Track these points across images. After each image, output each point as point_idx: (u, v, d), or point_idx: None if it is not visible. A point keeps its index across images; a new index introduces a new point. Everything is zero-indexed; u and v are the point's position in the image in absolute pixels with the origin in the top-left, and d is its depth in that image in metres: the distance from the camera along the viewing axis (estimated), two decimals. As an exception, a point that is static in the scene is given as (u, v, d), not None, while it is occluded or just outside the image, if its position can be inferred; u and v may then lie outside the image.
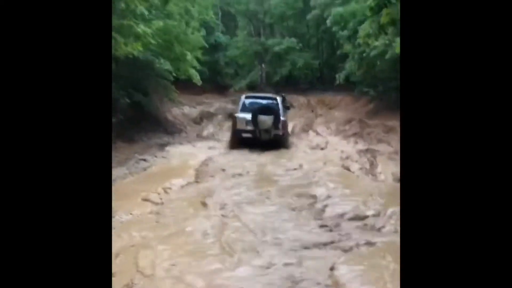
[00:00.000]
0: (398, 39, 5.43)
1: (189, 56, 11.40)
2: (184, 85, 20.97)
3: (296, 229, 4.24)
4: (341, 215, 4.59)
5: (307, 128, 11.90)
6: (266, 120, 8.97)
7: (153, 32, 9.21)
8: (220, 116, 17.62)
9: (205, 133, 13.52)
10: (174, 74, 11.12)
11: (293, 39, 17.93)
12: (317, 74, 20.44)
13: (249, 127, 9.09)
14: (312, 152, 9.25)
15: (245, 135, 9.21)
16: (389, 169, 6.42)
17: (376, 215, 4.53)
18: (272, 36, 19.26)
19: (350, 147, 9.11)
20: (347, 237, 3.91)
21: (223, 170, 7.29)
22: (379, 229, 4.14)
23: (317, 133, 11.14)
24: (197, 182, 6.54)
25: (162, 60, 10.18)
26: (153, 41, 8.04)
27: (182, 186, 6.24)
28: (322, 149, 9.32)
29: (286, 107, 12.02)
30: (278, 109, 9.28)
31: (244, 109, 9.56)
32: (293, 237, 3.97)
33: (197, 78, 12.22)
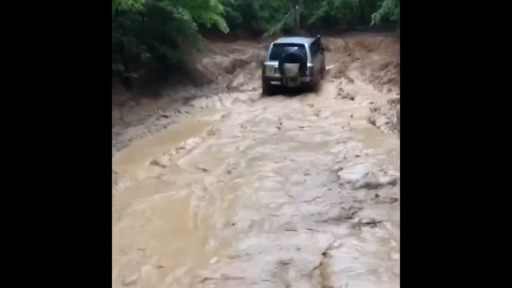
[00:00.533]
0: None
1: (213, 2, 10.61)
2: (216, 33, 20.23)
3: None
4: (354, 182, 4.09)
5: (340, 74, 10.98)
6: (291, 68, 9.02)
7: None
8: (253, 64, 16.85)
9: (235, 83, 12.99)
10: (195, 23, 10.40)
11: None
12: (357, 13, 18.69)
13: (277, 75, 9.22)
14: (341, 102, 8.53)
15: (273, 82, 9.38)
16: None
17: (392, 182, 3.98)
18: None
19: (382, 96, 8.26)
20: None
21: (242, 127, 6.91)
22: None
23: (350, 80, 10.24)
24: (210, 140, 6.23)
25: (180, 9, 9.51)
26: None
27: (195, 146, 5.97)
28: (352, 98, 8.55)
29: (321, 49, 11.56)
30: (304, 56, 9.16)
31: (273, 56, 9.53)
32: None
33: (223, 26, 11.45)
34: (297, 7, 16.91)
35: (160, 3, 9.32)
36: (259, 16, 20.52)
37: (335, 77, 11.00)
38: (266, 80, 9.54)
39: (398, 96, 7.73)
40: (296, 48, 9.47)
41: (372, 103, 7.63)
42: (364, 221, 3.24)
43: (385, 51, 13.80)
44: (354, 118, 6.83)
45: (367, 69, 10.75)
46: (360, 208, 3.48)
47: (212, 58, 15.53)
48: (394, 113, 6.37)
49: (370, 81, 9.83)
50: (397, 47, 13.89)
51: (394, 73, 9.40)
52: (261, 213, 3.58)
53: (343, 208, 3.50)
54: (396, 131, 5.69)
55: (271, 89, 9.46)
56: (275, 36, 17.75)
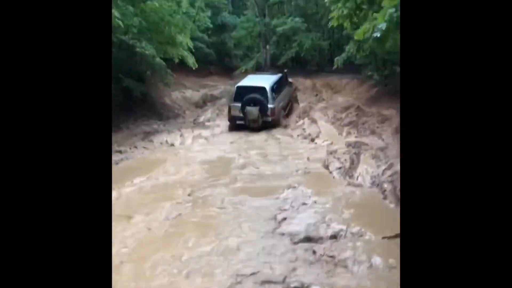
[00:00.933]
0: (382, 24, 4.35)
1: (180, 39, 10.53)
2: (189, 68, 20.29)
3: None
4: (295, 235, 3.79)
5: (304, 114, 10.94)
6: (252, 111, 9.86)
7: (132, 14, 8.45)
8: (223, 100, 16.78)
9: (202, 118, 12.78)
10: (160, 58, 10.27)
11: (298, 19, 16.54)
12: (327, 55, 19.14)
13: (241, 115, 9.99)
14: (302, 142, 8.39)
15: (239, 122, 10.12)
16: (369, 171, 5.51)
17: (334, 236, 3.71)
18: (282, 16, 17.89)
19: (341, 138, 8.17)
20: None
21: (195, 165, 6.60)
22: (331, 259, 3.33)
23: (313, 120, 10.18)
24: (156, 179, 5.87)
25: (144, 44, 9.36)
26: (121, 24, 7.20)
27: (140, 186, 5.58)
28: (312, 139, 8.42)
29: (288, 84, 12.10)
30: (265, 99, 9.91)
31: (237, 98, 10.23)
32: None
33: (191, 61, 11.35)
34: (267, 47, 17.15)
35: (124, 37, 9.13)
36: (233, 54, 20.74)
37: (300, 117, 10.93)
38: (232, 120, 10.32)
39: (355, 140, 7.66)
40: (256, 92, 10.04)
41: (331, 143, 7.52)
42: (293, 285, 2.91)
43: (350, 93, 14.02)
44: (310, 161, 6.63)
45: (330, 110, 10.74)
46: (294, 269, 3.15)
47: (182, 92, 15.37)
48: (348, 158, 6.21)
49: (332, 123, 9.77)
50: (361, 89, 14.23)
51: (354, 115, 9.40)
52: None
53: (274, 268, 3.17)
54: (347, 177, 5.52)
55: (237, 127, 10.16)
56: (247, 73, 17.88)
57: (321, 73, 18.75)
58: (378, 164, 5.62)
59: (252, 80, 11.10)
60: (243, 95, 9.97)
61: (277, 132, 9.64)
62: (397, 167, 4.83)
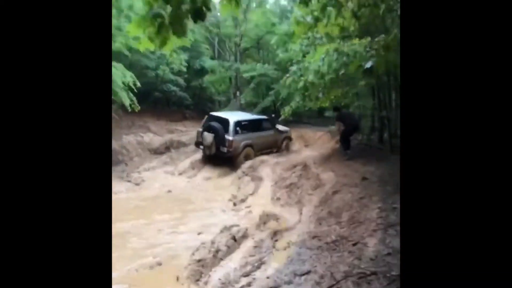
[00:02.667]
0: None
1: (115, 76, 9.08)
2: (162, 111, 19.08)
3: None
4: None
5: (249, 170, 9.13)
6: (207, 137, 9.93)
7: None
8: (191, 147, 15.22)
9: (146, 166, 11.06)
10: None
11: (269, 66, 15.26)
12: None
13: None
14: (220, 202, 6.47)
15: (201, 147, 10.41)
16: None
17: None
18: (253, 62, 16.64)
19: (268, 205, 6.27)
20: None
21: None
22: None
23: (255, 179, 8.36)
24: None
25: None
26: None
27: None
28: (234, 204, 6.53)
29: (273, 129, 11.61)
30: (223, 129, 9.80)
31: (204, 127, 10.49)
32: None
33: (128, 103, 9.79)
34: (238, 93, 15.70)
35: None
36: (213, 100, 19.42)
37: (251, 171, 9.11)
38: (197, 144, 10.91)
39: (278, 209, 5.76)
40: (220, 122, 9.99)
41: (249, 212, 5.63)
42: None
43: (320, 147, 12.25)
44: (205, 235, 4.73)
45: (280, 167, 8.90)
46: None
47: (140, 137, 13.78)
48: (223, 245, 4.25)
49: (275, 182, 7.92)
50: (330, 144, 12.57)
51: (297, 176, 7.53)
52: None
53: None
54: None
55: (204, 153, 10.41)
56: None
57: (299, 124, 17.16)
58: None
59: (226, 113, 11.15)
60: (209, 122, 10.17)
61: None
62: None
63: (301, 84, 7.27)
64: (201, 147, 10.35)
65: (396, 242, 2.97)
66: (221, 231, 4.62)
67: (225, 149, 9.69)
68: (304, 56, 8.01)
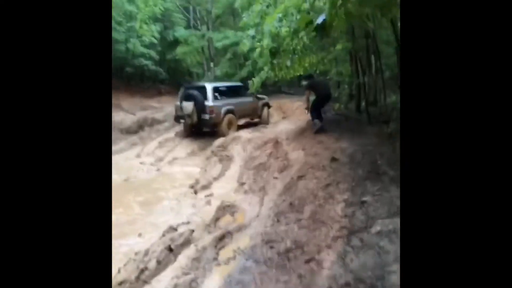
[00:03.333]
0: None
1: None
2: (137, 88, 17.85)
3: None
4: None
5: (218, 149, 8.27)
6: (186, 106, 9.45)
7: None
8: (166, 124, 14.23)
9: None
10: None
11: (242, 33, 14.07)
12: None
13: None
14: (182, 202, 5.65)
15: (181, 120, 10.00)
16: None
17: None
18: (226, 30, 15.28)
19: (231, 193, 5.48)
20: None
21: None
22: None
23: (227, 158, 7.53)
24: None
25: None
26: None
27: None
28: (195, 192, 5.74)
29: (249, 96, 10.85)
30: (201, 96, 9.41)
31: (182, 97, 9.98)
32: None
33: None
34: (212, 65, 14.54)
35: None
36: (190, 72, 18.20)
37: (214, 153, 8.26)
38: (176, 119, 10.29)
39: (240, 198, 4.97)
40: (197, 90, 9.59)
41: (208, 201, 4.84)
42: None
43: (297, 119, 11.42)
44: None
45: (252, 144, 8.07)
46: None
47: (108, 116, 12.85)
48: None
49: (245, 161, 7.10)
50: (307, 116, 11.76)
51: (267, 154, 6.73)
52: None
53: None
54: None
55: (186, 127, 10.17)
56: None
57: (280, 94, 16.20)
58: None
59: (201, 82, 10.80)
60: (186, 93, 9.65)
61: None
62: None
63: (257, 50, 6.31)
64: (182, 121, 9.85)
65: (358, 263, 2.22)
66: (163, 235, 3.81)
67: (207, 116, 9.32)
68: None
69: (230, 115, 9.93)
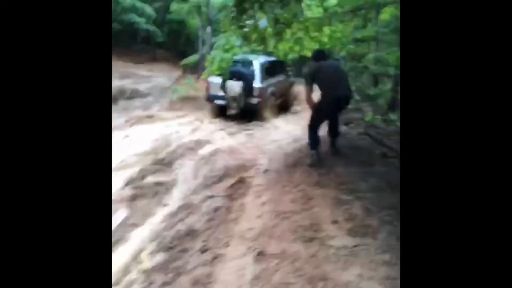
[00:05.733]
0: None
1: None
2: (125, 49, 14.45)
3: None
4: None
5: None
6: (234, 86, 7.08)
7: None
8: (150, 98, 10.91)
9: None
10: None
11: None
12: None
13: (222, 93, 7.25)
14: None
15: (218, 101, 7.49)
16: None
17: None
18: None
19: None
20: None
21: None
22: None
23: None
24: None
25: None
26: None
27: None
28: None
29: (285, 73, 8.75)
30: (249, 75, 7.14)
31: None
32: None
33: None
34: (209, 29, 10.72)
35: None
36: (192, 38, 14.51)
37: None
38: (209, 99, 7.75)
39: None
40: (244, 65, 7.39)
41: None
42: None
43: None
44: None
45: (205, 169, 4.57)
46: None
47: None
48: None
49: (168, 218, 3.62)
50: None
51: (213, 209, 3.24)
52: None
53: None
54: None
55: (216, 110, 7.69)
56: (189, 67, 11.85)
57: (299, 78, 12.37)
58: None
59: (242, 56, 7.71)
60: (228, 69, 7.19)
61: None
62: None
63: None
64: (218, 102, 7.44)
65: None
66: None
67: (255, 101, 7.16)
68: None
69: (272, 98, 7.76)
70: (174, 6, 12.05)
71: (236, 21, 3.09)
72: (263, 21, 3.13)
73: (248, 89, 7.15)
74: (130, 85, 11.36)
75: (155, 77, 12.74)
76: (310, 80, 3.80)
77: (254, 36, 3.45)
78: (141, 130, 6.94)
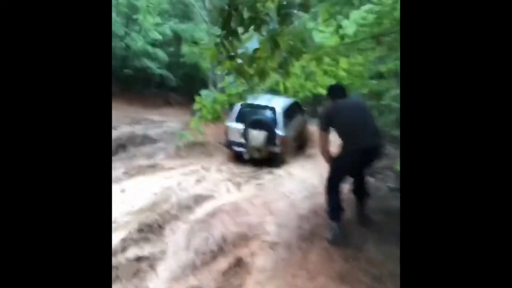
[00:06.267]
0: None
1: None
2: (138, 94, 14.17)
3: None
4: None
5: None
6: (257, 136, 6.64)
7: None
8: (161, 144, 10.29)
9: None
10: None
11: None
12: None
13: (242, 140, 6.83)
14: None
15: (237, 148, 7.02)
16: None
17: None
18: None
19: None
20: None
21: None
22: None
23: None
24: None
25: None
26: None
27: None
28: None
29: (301, 113, 8.38)
30: (272, 123, 6.71)
31: (239, 118, 7.09)
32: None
33: None
34: (219, 85, 10.28)
35: None
36: (206, 78, 14.14)
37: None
38: (229, 145, 7.18)
39: None
40: (264, 113, 7.00)
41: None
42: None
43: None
44: None
45: (195, 240, 3.68)
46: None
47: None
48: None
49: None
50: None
51: None
52: None
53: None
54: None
55: (235, 156, 7.10)
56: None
57: (313, 119, 11.56)
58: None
59: (262, 99, 7.23)
60: (247, 114, 6.98)
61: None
62: None
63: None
64: (238, 149, 7.01)
65: None
66: None
67: (277, 149, 6.75)
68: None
69: (293, 144, 7.44)
70: (185, 49, 11.77)
71: (224, 50, 2.34)
72: (252, 42, 2.38)
73: (271, 139, 6.71)
74: (140, 131, 10.92)
75: (167, 122, 12.30)
76: (326, 125, 2.93)
77: (250, 69, 2.68)
78: (141, 183, 6.22)
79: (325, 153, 2.97)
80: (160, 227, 4.00)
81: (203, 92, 4.24)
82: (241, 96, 3.95)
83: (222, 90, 9.08)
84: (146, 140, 10.72)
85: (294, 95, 5.22)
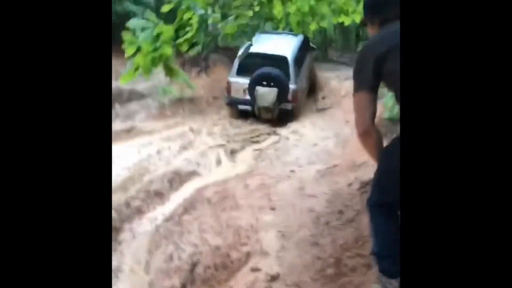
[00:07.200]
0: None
1: None
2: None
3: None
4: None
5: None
6: (266, 94, 5.48)
7: None
8: (149, 100, 9.00)
9: None
10: None
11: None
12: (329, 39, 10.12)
13: (247, 97, 5.71)
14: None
15: (242, 107, 5.86)
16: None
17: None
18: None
19: None
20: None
21: None
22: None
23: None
24: None
25: None
26: None
27: None
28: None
29: (310, 50, 6.96)
30: (284, 79, 5.54)
31: (242, 69, 5.79)
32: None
33: None
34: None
35: None
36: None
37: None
38: (232, 103, 5.95)
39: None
40: (273, 64, 5.59)
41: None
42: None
43: (343, 117, 5.42)
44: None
45: None
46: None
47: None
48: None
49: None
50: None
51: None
52: None
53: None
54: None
55: (239, 114, 5.91)
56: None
57: (324, 63, 9.90)
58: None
59: (266, 44, 5.71)
60: (253, 66, 5.52)
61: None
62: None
63: None
64: (243, 107, 5.87)
65: None
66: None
67: (289, 106, 5.74)
68: None
69: (305, 95, 6.42)
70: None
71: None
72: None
73: (283, 96, 5.63)
74: (126, 85, 9.53)
75: (155, 73, 10.76)
76: (373, 78, 1.51)
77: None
78: (114, 153, 5.01)
79: (370, 140, 1.60)
80: (119, 227, 2.82)
81: (133, 21, 2.76)
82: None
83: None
84: (132, 95, 9.51)
85: (298, 28, 3.47)
